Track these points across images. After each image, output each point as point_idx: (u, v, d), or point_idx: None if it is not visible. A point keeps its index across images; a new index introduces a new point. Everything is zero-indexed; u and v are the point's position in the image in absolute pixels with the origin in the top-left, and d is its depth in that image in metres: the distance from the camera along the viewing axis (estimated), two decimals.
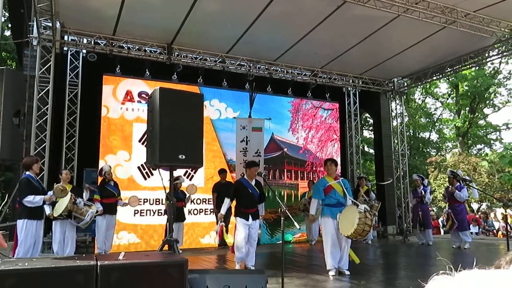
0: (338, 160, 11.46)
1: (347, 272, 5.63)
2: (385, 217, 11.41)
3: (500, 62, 21.67)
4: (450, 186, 8.71)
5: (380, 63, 10.43)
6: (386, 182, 11.15)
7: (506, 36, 8.90)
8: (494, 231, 13.38)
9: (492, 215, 15.26)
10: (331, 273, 5.62)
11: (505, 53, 10.07)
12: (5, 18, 13.94)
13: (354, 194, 6.77)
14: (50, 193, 6.02)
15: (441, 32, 8.44)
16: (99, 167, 8.27)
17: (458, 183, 8.71)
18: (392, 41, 9.09)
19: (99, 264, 2.79)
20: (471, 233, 11.84)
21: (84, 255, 5.77)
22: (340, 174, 8.45)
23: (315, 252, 8.71)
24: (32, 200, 5.65)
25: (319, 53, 9.74)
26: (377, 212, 9.77)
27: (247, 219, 5.91)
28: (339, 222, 5.51)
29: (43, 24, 7.67)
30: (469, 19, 7.98)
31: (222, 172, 8.98)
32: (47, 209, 6.17)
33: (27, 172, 5.93)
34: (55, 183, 6.30)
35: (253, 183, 6.12)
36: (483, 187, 17.88)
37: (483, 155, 23.52)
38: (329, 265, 5.67)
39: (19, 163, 6.05)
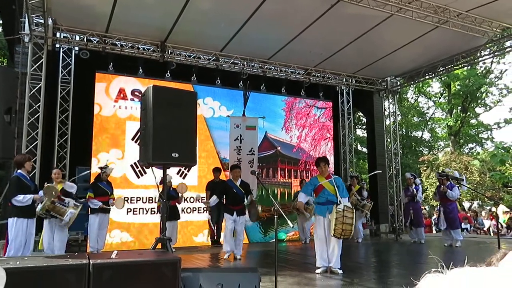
0: (332, 158, 11.51)
1: (340, 271, 5.65)
2: (378, 215, 11.49)
3: (492, 62, 21.90)
4: (442, 186, 8.78)
5: (373, 62, 10.48)
6: (374, 172, 11.27)
7: (498, 36, 8.98)
8: (485, 229, 13.50)
9: (483, 213, 15.39)
10: (318, 270, 5.74)
11: (496, 53, 10.18)
12: None
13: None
14: (41, 192, 5.97)
15: (434, 31, 8.50)
16: (96, 163, 8.24)
17: (449, 182, 8.79)
18: (385, 40, 9.13)
19: (91, 262, 2.78)
20: (463, 230, 11.96)
21: (76, 253, 5.74)
22: (333, 173, 8.47)
23: (308, 251, 8.73)
24: (21, 199, 5.62)
25: (313, 51, 9.75)
26: (369, 211, 9.91)
27: (232, 215, 7.01)
28: (330, 221, 5.58)
29: (35, 21, 7.59)
30: (461, 19, 8.05)
31: (216, 170, 8.97)
32: (38, 208, 6.13)
33: (19, 170, 5.88)
34: (46, 183, 6.25)
35: (238, 183, 7.15)
36: (475, 185, 18.04)
37: (474, 154, 23.73)
38: (317, 262, 5.78)
39: (11, 161, 6.00)
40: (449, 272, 0.56)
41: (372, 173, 11.55)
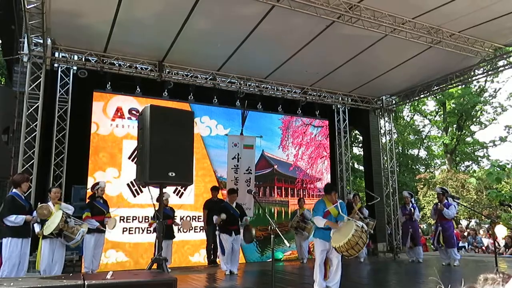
0: (328, 177, 11.52)
1: None
2: (375, 235, 11.42)
3: (486, 81, 22.19)
4: (439, 203, 8.76)
5: (368, 81, 10.60)
6: (374, 201, 11.17)
7: (491, 55, 9.14)
8: (483, 247, 13.44)
9: (481, 232, 15.36)
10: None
11: (490, 72, 10.32)
12: None
13: (347, 211, 6.75)
14: (34, 213, 5.92)
15: (428, 51, 8.64)
16: (93, 182, 8.20)
17: (446, 200, 8.78)
18: (380, 60, 9.27)
19: (86, 284, 2.75)
20: (460, 249, 11.88)
21: (71, 274, 5.66)
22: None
23: (306, 270, 8.63)
24: (13, 220, 5.58)
25: (309, 71, 9.87)
26: (372, 230, 9.70)
27: (231, 235, 7.53)
28: (332, 236, 5.47)
29: (34, 41, 7.67)
30: (454, 39, 8.20)
31: (214, 189, 8.96)
32: (37, 228, 6.07)
33: (14, 190, 5.85)
34: (39, 203, 6.20)
35: (234, 205, 7.75)
36: (472, 204, 18.05)
37: (471, 172, 23.81)
38: (316, 283, 5.65)
39: (7, 180, 5.97)
40: None
41: (372, 202, 11.39)
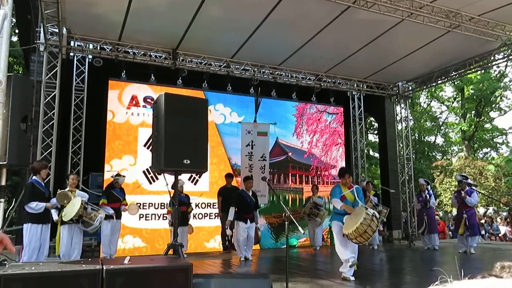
0: (343, 164, 11.46)
1: (352, 278, 5.60)
2: (391, 222, 11.36)
3: (506, 66, 21.57)
4: (462, 191, 8.59)
5: (384, 67, 10.43)
6: (389, 189, 11.08)
7: None
8: (500, 235, 13.27)
9: (498, 219, 15.15)
10: (350, 263, 5.54)
11: (510, 57, 10.02)
12: (13, 24, 14.10)
13: None
14: (53, 200, 6.07)
15: (446, 36, 8.44)
16: (108, 170, 8.33)
17: (468, 188, 8.62)
18: (396, 45, 9.09)
19: (104, 268, 2.81)
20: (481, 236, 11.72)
21: (89, 259, 5.80)
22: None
23: (320, 257, 8.69)
24: (34, 206, 5.74)
25: (324, 57, 9.75)
26: (385, 218, 9.66)
27: (246, 222, 7.59)
28: (344, 221, 5.51)
29: (49, 30, 7.76)
30: (473, 23, 7.97)
31: (229, 176, 9.01)
32: (54, 215, 6.22)
33: (34, 177, 5.99)
34: (58, 190, 6.35)
35: (250, 193, 7.77)
36: (490, 191, 17.76)
37: (489, 159, 23.38)
38: (345, 255, 5.59)
39: (26, 168, 6.12)
40: (451, 285, 0.56)
41: (387, 188, 11.31)
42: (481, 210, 19.87)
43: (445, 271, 0.64)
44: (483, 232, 13.38)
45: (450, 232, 14.39)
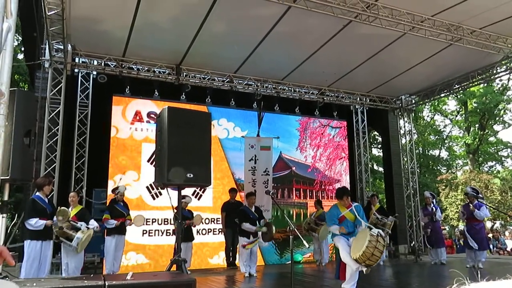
0: (347, 178, 11.39)
1: None
2: (396, 236, 11.21)
3: (509, 79, 21.58)
4: (471, 204, 8.46)
5: (387, 80, 10.45)
6: (393, 217, 10.63)
7: None
8: (508, 249, 13.07)
9: (506, 233, 14.94)
10: (359, 270, 5.36)
11: None
12: (18, 42, 14.32)
13: (365, 212, 6.61)
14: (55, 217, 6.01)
15: (448, 49, 8.46)
16: (112, 186, 8.30)
17: (477, 201, 8.50)
18: (398, 59, 9.12)
19: (107, 284, 2.77)
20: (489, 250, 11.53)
21: (92, 275, 5.73)
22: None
23: (325, 273, 8.55)
24: (33, 223, 5.69)
25: (326, 71, 9.79)
26: (390, 230, 9.41)
27: (249, 238, 7.57)
28: (351, 245, 5.40)
29: (55, 47, 7.86)
30: (475, 36, 8.00)
31: (232, 191, 8.96)
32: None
33: (37, 193, 5.97)
34: (59, 207, 6.31)
35: (252, 209, 7.76)
36: (496, 204, 17.56)
37: (494, 172, 23.20)
38: (355, 264, 5.34)
39: (29, 183, 6.11)
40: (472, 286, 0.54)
41: (394, 216, 10.78)
42: (488, 224, 19.62)
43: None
44: (490, 246, 13.18)
45: (458, 247, 14.19)
